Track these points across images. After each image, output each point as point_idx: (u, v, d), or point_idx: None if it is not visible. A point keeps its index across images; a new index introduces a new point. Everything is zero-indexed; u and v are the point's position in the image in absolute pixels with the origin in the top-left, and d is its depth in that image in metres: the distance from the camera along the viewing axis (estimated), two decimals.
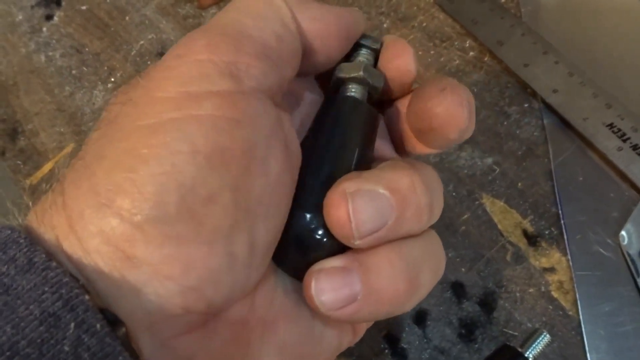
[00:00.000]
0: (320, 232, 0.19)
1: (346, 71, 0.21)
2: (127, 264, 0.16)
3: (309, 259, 0.19)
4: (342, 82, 0.21)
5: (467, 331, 0.32)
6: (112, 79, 0.43)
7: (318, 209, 0.19)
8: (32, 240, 0.16)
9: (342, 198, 0.18)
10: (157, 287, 0.16)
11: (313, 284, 0.19)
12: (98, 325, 0.15)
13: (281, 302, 0.20)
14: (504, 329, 0.32)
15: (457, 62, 0.41)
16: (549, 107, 0.38)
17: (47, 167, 0.41)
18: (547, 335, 0.31)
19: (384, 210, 0.18)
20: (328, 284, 0.18)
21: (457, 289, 0.33)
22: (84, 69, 0.44)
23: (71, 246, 0.16)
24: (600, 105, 0.37)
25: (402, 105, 0.23)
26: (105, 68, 0.44)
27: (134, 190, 0.16)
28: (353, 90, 0.21)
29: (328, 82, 0.22)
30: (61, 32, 0.46)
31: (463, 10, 0.43)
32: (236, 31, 0.18)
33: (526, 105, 0.39)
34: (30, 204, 0.18)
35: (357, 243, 0.18)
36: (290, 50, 0.19)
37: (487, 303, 0.33)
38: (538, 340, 0.31)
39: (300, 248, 0.19)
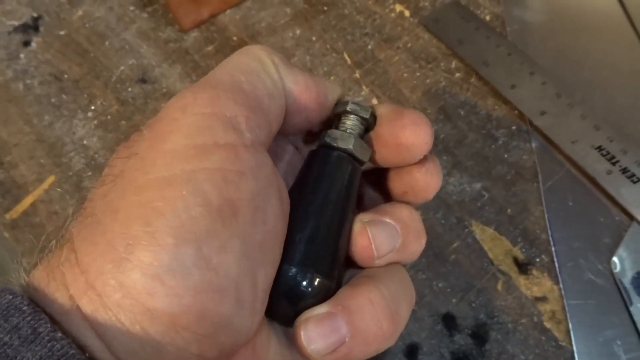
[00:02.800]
0: (306, 283, 0.20)
1: (333, 139, 0.22)
2: (147, 317, 0.16)
3: (298, 309, 0.20)
4: (328, 147, 0.22)
5: None
6: (92, 107, 0.42)
7: (304, 262, 0.20)
8: (36, 306, 0.16)
9: (362, 228, 0.21)
10: (175, 337, 0.16)
11: (302, 333, 0.19)
12: None
13: (276, 344, 0.21)
14: None
15: (443, 83, 0.40)
16: (537, 130, 0.37)
17: (27, 201, 0.40)
18: None
19: (393, 235, 0.22)
20: (316, 332, 0.19)
21: (448, 321, 0.33)
22: (64, 97, 0.43)
23: (90, 303, 0.16)
24: (589, 127, 0.36)
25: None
26: (85, 96, 0.43)
27: (153, 243, 0.16)
28: (338, 152, 0.22)
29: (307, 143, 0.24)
30: (39, 59, 0.45)
31: (448, 29, 0.42)
32: (233, 86, 0.19)
33: (514, 127, 0.38)
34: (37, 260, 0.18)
35: (377, 262, 0.22)
36: (278, 106, 0.21)
37: (479, 335, 0.32)
38: None
39: (289, 300, 0.20)
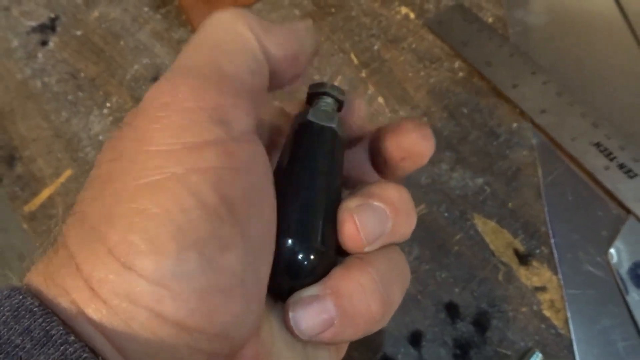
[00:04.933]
0: (302, 255, 0.20)
1: (318, 118, 0.23)
2: (157, 322, 0.16)
3: (296, 282, 0.20)
4: (313, 124, 0.23)
5: (462, 351, 0.33)
6: (108, 104, 0.44)
7: (300, 234, 0.20)
8: (46, 307, 0.16)
9: (349, 215, 0.20)
10: (187, 338, 0.16)
11: (291, 314, 0.20)
12: None
13: (279, 331, 0.21)
14: (498, 349, 0.33)
15: (447, 83, 0.42)
16: (537, 127, 0.39)
17: (45, 194, 0.41)
18: (540, 355, 0.32)
19: (382, 219, 0.21)
20: (304, 313, 0.20)
21: (451, 310, 0.34)
22: (80, 94, 0.45)
23: (97, 310, 0.16)
24: (588, 124, 0.38)
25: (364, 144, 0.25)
26: (101, 93, 0.45)
27: (153, 251, 0.16)
28: (324, 129, 0.22)
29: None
30: (56, 58, 0.47)
31: (452, 31, 0.44)
32: (214, 72, 0.18)
33: (515, 125, 0.39)
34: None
35: (367, 249, 0.21)
36: (261, 82, 0.20)
37: (481, 323, 0.33)
38: None
39: (287, 272, 0.20)
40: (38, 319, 0.15)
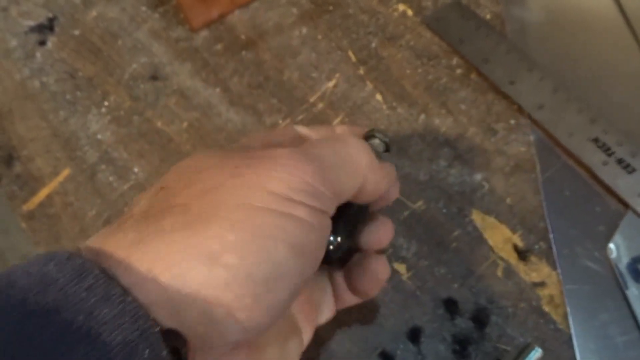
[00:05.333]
0: (332, 243, 0.28)
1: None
2: (215, 302, 0.20)
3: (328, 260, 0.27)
4: None
5: (461, 347, 0.33)
6: (106, 103, 0.44)
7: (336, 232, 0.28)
8: (105, 271, 0.19)
9: (387, 229, 0.31)
10: (229, 322, 0.21)
11: (383, 266, 0.29)
12: (164, 353, 0.19)
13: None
14: (497, 344, 0.33)
15: (445, 80, 0.42)
16: (535, 123, 0.39)
17: (43, 193, 0.41)
18: (539, 350, 0.32)
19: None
20: (378, 265, 0.29)
21: (450, 306, 0.34)
22: (78, 93, 0.45)
23: (172, 278, 0.20)
24: (584, 120, 0.38)
25: None
26: (99, 92, 0.45)
27: (241, 254, 0.21)
28: None
29: None
30: (54, 58, 0.47)
31: (449, 28, 0.44)
32: (331, 176, 0.25)
33: (513, 121, 0.39)
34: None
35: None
36: (349, 197, 0.27)
37: (480, 319, 0.33)
38: (530, 355, 0.31)
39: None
40: (99, 279, 0.18)
